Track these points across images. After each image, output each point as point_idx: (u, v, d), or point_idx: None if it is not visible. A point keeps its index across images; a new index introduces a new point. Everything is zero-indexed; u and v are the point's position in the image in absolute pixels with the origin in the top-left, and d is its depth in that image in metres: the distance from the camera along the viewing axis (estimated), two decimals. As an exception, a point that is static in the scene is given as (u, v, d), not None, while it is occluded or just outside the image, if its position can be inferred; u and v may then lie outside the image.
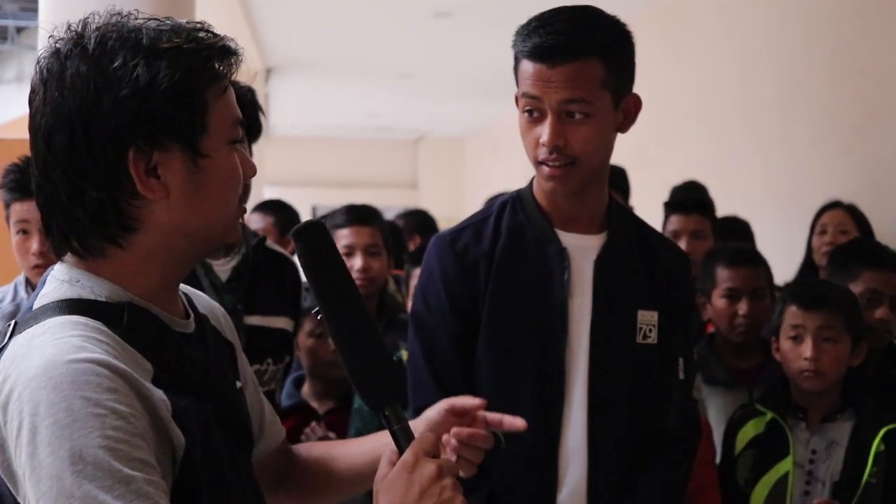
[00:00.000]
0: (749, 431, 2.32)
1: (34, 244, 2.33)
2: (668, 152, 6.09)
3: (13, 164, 2.38)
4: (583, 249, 1.81)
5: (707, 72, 5.77)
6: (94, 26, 1.12)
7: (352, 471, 1.43)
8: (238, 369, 1.35)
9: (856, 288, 2.53)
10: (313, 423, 2.67)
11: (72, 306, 1.08)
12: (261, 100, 2.46)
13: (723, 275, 2.75)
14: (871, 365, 2.51)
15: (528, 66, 1.71)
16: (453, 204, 12.29)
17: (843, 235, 3.40)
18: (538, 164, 1.75)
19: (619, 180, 3.52)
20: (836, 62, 4.44)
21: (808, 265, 3.56)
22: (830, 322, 2.26)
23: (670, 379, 1.84)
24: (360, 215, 3.04)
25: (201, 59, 1.12)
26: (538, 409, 1.76)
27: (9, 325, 1.11)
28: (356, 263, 2.92)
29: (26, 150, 1.16)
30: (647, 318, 1.82)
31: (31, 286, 2.39)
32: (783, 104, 4.89)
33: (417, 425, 1.37)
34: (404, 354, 2.58)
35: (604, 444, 1.79)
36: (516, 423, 1.39)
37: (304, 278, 1.97)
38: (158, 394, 1.06)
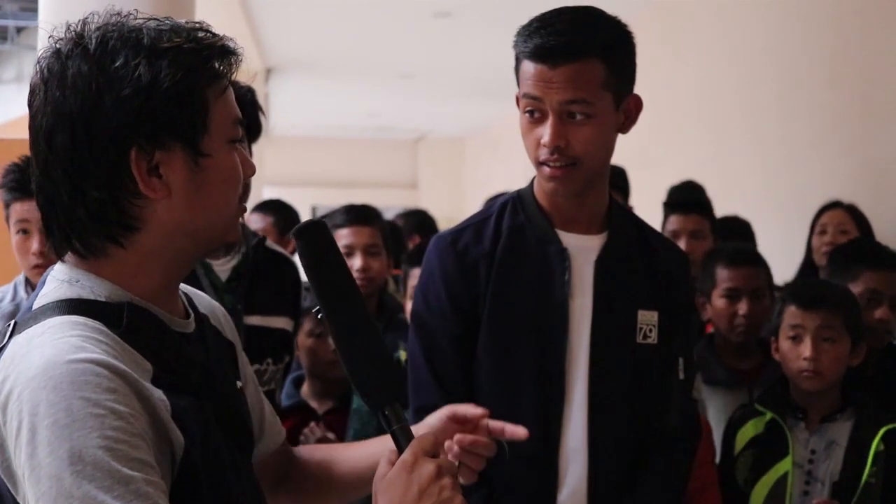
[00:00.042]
0: (748, 431, 2.32)
1: (34, 244, 2.33)
2: (668, 152, 6.08)
3: (13, 163, 2.38)
4: (583, 250, 1.81)
5: (707, 72, 5.77)
6: (93, 26, 1.12)
7: (353, 474, 1.43)
8: (238, 369, 1.35)
9: (856, 288, 2.53)
10: (312, 424, 2.67)
11: (71, 306, 1.08)
12: (261, 100, 2.46)
13: (722, 275, 2.75)
14: (870, 365, 2.51)
15: (529, 66, 1.71)
16: (453, 204, 12.28)
17: (843, 235, 3.40)
18: (539, 164, 1.75)
19: (619, 180, 3.52)
20: (835, 62, 4.44)
21: (807, 265, 3.56)
22: (830, 322, 2.26)
23: (670, 379, 1.84)
24: (359, 215, 3.04)
25: (202, 59, 1.12)
26: (538, 409, 1.76)
27: (8, 325, 1.11)
28: (356, 263, 2.92)
29: (26, 150, 1.16)
30: (648, 319, 1.82)
31: (31, 286, 2.39)
32: (783, 104, 4.89)
33: (418, 431, 1.37)
34: (403, 355, 2.58)
35: (604, 444, 1.79)
36: (518, 432, 1.39)
37: (303, 278, 1.97)
38: (158, 394, 1.06)
